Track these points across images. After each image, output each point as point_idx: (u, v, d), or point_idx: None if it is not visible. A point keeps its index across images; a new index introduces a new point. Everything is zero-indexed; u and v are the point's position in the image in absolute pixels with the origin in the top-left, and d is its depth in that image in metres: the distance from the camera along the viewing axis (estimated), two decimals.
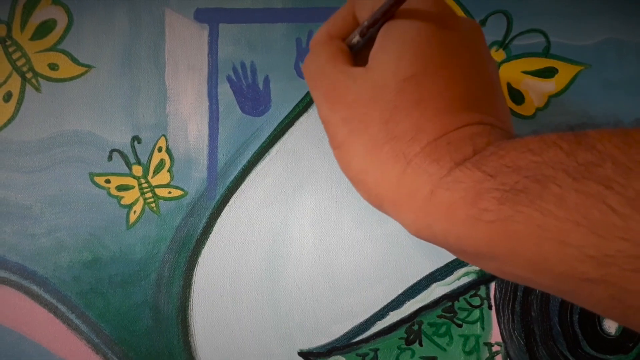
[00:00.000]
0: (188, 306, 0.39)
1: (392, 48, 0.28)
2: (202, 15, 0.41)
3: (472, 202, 0.23)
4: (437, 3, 0.28)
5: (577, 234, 0.19)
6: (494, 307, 0.39)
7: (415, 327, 0.39)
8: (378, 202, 0.28)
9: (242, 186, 0.40)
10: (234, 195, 0.40)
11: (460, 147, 0.25)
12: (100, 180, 0.40)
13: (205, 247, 0.39)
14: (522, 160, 0.22)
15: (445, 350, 0.39)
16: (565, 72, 0.40)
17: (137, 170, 0.40)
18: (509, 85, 0.40)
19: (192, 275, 0.39)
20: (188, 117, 0.40)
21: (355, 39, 0.31)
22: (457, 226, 0.24)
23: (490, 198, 0.22)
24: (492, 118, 0.28)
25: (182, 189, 0.40)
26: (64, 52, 0.40)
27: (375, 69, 0.28)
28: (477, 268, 0.39)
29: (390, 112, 0.27)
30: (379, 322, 0.39)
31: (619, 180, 0.19)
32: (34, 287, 0.39)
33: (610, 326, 0.39)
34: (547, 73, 0.40)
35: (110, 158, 0.40)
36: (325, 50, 0.31)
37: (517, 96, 0.40)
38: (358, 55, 0.31)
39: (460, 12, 0.40)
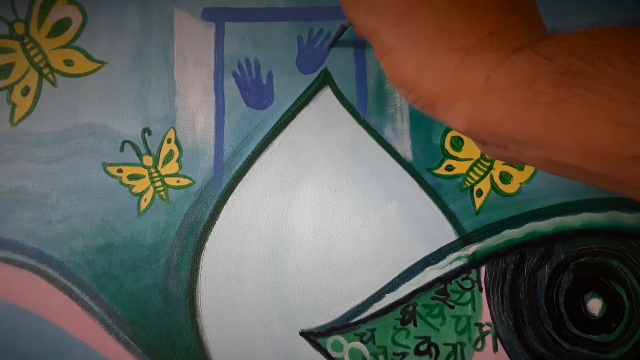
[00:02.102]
0: (195, 289, 0.41)
1: None
2: (209, 14, 0.42)
3: (529, 85, 0.23)
4: None
5: (633, 113, 0.20)
6: (484, 290, 0.41)
7: (410, 309, 0.41)
8: (430, 102, 0.28)
9: (247, 175, 0.42)
10: (239, 184, 0.42)
11: (517, 37, 0.25)
12: (113, 169, 0.42)
13: (212, 233, 0.41)
14: (578, 43, 0.22)
15: (438, 330, 0.41)
16: None
17: (148, 160, 0.42)
18: None
19: (199, 259, 0.41)
20: (196, 110, 0.42)
21: None
22: (512, 110, 0.24)
23: (547, 80, 0.22)
24: (539, 24, 0.29)
25: (190, 178, 0.42)
26: (78, 49, 0.42)
27: None
28: (468, 252, 0.41)
29: (443, 12, 0.27)
30: (375, 304, 0.41)
31: None
32: (51, 271, 0.41)
33: (594, 307, 0.41)
34: None
35: (122, 149, 0.42)
36: None
37: None
38: None
39: None
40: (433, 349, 0.41)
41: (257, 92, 0.42)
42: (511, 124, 0.24)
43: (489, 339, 0.41)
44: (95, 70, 0.42)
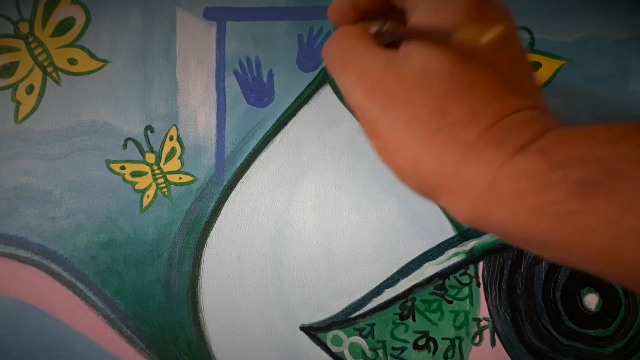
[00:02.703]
0: (197, 284, 0.41)
1: None
2: (211, 14, 0.43)
3: (538, 193, 0.21)
4: None
5: None
6: (482, 285, 0.41)
7: (409, 304, 0.41)
8: (429, 191, 0.26)
9: (248, 172, 0.42)
10: (240, 181, 0.42)
11: (519, 133, 0.24)
12: (116, 166, 0.42)
13: (214, 229, 0.42)
14: (592, 151, 0.21)
15: (436, 325, 0.41)
16: (548, 66, 0.42)
17: (150, 157, 0.42)
18: None
19: (201, 255, 0.42)
20: (197, 108, 0.43)
21: (383, 32, 0.28)
22: (519, 216, 0.22)
23: (558, 190, 0.21)
24: (539, 101, 0.26)
25: (191, 175, 0.42)
26: (82, 47, 0.43)
27: (419, 53, 0.25)
28: (466, 248, 0.41)
29: (442, 98, 0.24)
30: (374, 299, 0.41)
31: None
32: (54, 267, 0.41)
33: (591, 302, 0.41)
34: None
35: (125, 146, 0.42)
36: (352, 32, 0.28)
37: None
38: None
39: None
40: (431, 344, 0.41)
41: (258, 90, 0.43)
42: (517, 228, 0.23)
43: (486, 333, 0.41)
44: (99, 68, 0.43)
